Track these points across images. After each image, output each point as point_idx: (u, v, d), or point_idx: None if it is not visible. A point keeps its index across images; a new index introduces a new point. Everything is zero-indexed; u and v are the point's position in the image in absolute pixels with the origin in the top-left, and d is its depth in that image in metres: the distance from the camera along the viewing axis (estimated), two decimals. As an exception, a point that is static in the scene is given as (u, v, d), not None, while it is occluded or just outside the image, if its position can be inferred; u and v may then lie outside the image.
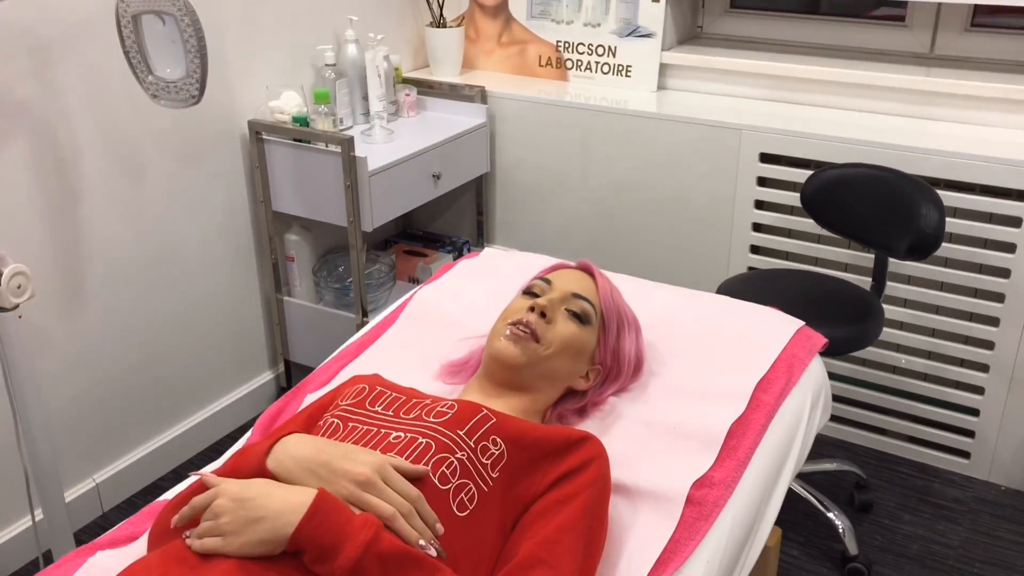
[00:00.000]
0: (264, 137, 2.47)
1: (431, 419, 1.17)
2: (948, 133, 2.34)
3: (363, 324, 2.51)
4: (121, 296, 2.28)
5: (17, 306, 1.69)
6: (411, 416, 1.18)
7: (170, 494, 1.33)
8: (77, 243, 2.15)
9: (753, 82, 2.64)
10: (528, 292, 1.39)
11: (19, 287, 1.68)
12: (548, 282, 1.39)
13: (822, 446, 2.59)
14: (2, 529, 2.14)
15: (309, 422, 1.27)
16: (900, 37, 2.61)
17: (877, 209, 2.12)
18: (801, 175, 2.40)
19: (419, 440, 1.12)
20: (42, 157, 2.03)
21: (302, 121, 2.43)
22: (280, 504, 0.97)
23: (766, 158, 2.45)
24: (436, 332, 1.64)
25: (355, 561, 0.94)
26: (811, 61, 2.57)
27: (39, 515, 2.03)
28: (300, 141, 2.42)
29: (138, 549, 1.20)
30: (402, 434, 1.13)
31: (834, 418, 2.62)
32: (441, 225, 3.13)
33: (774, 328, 1.58)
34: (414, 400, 1.22)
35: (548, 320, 1.32)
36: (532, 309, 1.32)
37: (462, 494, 1.08)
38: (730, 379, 1.45)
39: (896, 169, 2.14)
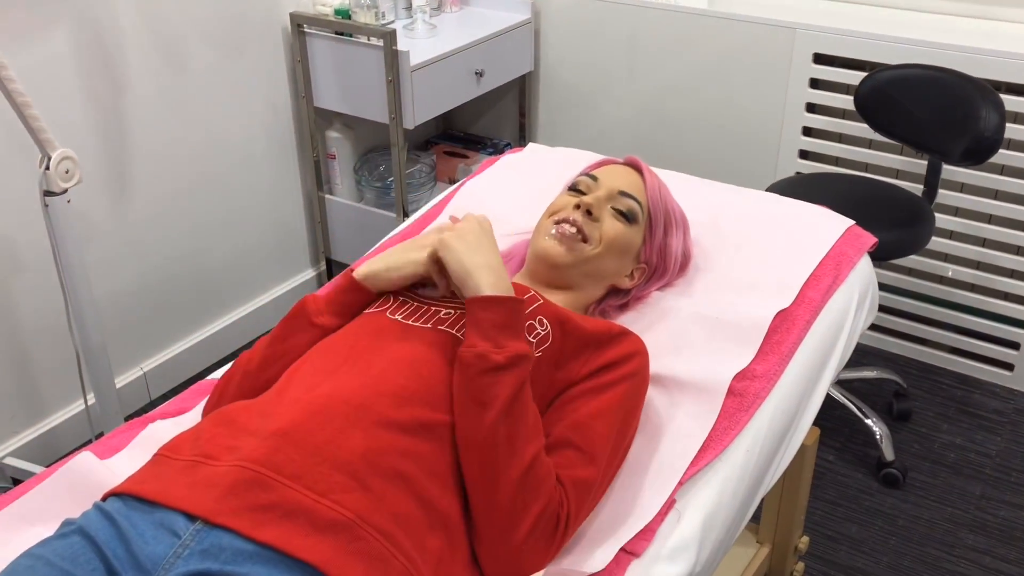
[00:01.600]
0: (306, 30, 2.44)
1: None
2: (1011, 34, 2.24)
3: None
4: (165, 188, 2.30)
5: (66, 191, 1.71)
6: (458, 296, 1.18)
7: (218, 374, 1.36)
8: (121, 133, 2.16)
9: (809, -21, 2.54)
10: (574, 188, 1.36)
11: (67, 172, 1.70)
12: (594, 179, 1.36)
13: (863, 355, 2.57)
14: (58, 411, 2.22)
15: None
16: (968, -68, 2.48)
17: (933, 112, 2.06)
18: (855, 77, 2.32)
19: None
20: (84, 44, 2.03)
21: (344, 14, 2.39)
22: (498, 265, 1.11)
23: (820, 59, 2.38)
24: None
25: (525, 352, 1.04)
26: (872, -43, 2.46)
27: (91, 399, 2.09)
28: (342, 35, 2.39)
29: (192, 419, 1.24)
30: (452, 311, 1.14)
31: (876, 327, 2.59)
32: (482, 126, 3.09)
33: (823, 225, 1.55)
34: None
35: (594, 218, 1.30)
36: (578, 207, 1.30)
37: None
38: (776, 274, 1.43)
39: (955, 70, 2.06)
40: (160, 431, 1.20)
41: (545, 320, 1.15)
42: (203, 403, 1.25)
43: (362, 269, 1.21)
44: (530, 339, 1.13)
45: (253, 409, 1.01)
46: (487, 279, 1.07)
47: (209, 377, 1.38)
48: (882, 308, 2.56)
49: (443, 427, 1.02)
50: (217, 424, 1.00)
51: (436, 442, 1.01)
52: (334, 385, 1.02)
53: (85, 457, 1.12)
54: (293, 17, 2.43)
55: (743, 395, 1.26)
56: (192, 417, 1.25)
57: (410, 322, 1.13)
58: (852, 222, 1.58)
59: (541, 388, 1.11)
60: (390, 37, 2.28)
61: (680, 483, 1.15)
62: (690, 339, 1.33)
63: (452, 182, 2.93)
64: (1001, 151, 2.24)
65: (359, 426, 0.97)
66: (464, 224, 1.14)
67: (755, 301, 1.38)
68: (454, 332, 1.11)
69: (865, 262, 1.54)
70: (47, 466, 2.14)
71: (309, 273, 2.79)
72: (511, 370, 1.02)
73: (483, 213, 1.65)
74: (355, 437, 0.96)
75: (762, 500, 1.36)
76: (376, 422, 0.98)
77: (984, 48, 2.15)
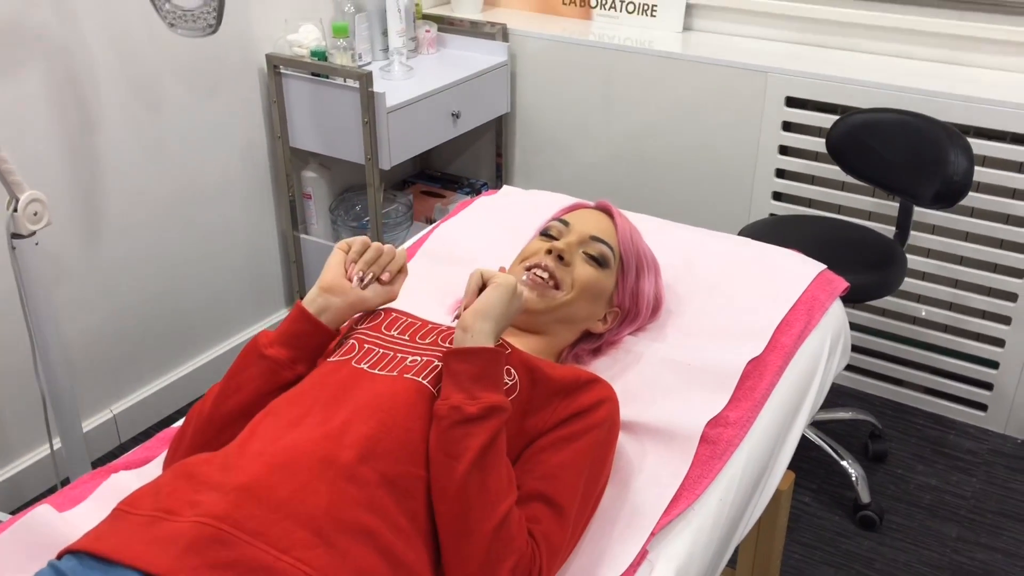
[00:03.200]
0: (282, 71, 2.44)
1: (447, 344, 1.16)
2: (979, 79, 2.28)
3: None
4: (139, 228, 2.28)
5: (34, 233, 1.69)
6: (427, 341, 1.17)
7: (181, 422, 1.33)
8: (94, 173, 2.14)
9: (781, 24, 2.57)
10: (545, 234, 1.36)
11: (35, 214, 1.68)
12: (566, 223, 1.36)
13: (838, 396, 2.58)
14: (22, 456, 2.17)
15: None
16: (935, -21, 2.53)
17: (904, 155, 2.08)
18: (827, 120, 2.35)
19: (435, 363, 1.12)
20: (58, 85, 2.02)
21: (320, 55, 2.40)
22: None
23: (792, 102, 2.40)
24: (453, 269, 1.62)
25: (500, 403, 1.03)
26: (841, 3, 2.50)
27: (57, 443, 2.05)
28: (318, 76, 2.39)
29: (153, 470, 1.22)
30: (418, 358, 1.13)
31: (851, 368, 2.60)
32: (460, 166, 3.10)
33: (795, 270, 1.56)
34: (430, 326, 1.21)
35: (566, 263, 1.30)
36: (549, 252, 1.30)
37: None
38: (749, 319, 1.43)
39: (925, 115, 2.09)
40: (122, 482, 1.17)
41: (513, 370, 1.14)
42: (165, 454, 1.23)
43: (311, 299, 1.21)
44: None
45: (215, 462, 0.99)
46: (487, 336, 1.09)
47: (175, 424, 1.35)
48: (857, 348, 2.56)
49: (410, 479, 1.00)
50: (178, 477, 0.98)
51: (402, 495, 0.99)
52: (297, 437, 1.00)
53: (43, 510, 1.09)
54: (269, 58, 2.43)
55: (716, 442, 1.25)
56: (156, 465, 1.22)
57: (376, 371, 1.11)
58: (824, 267, 1.59)
59: (510, 438, 1.10)
60: (366, 79, 2.29)
61: (652, 534, 1.13)
62: (662, 385, 1.32)
63: (429, 221, 2.93)
64: (971, 194, 2.26)
65: (323, 480, 0.95)
66: (518, 287, 1.16)
67: (727, 347, 1.37)
68: (420, 380, 1.09)
69: (837, 307, 1.55)
70: (11, 512, 2.10)
71: (283, 313, 2.77)
72: (484, 422, 1.01)
73: (456, 255, 1.66)
74: (319, 491, 0.94)
75: (738, 545, 1.35)
76: (340, 476, 0.96)
77: (953, 93, 2.19)
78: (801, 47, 2.54)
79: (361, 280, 1.21)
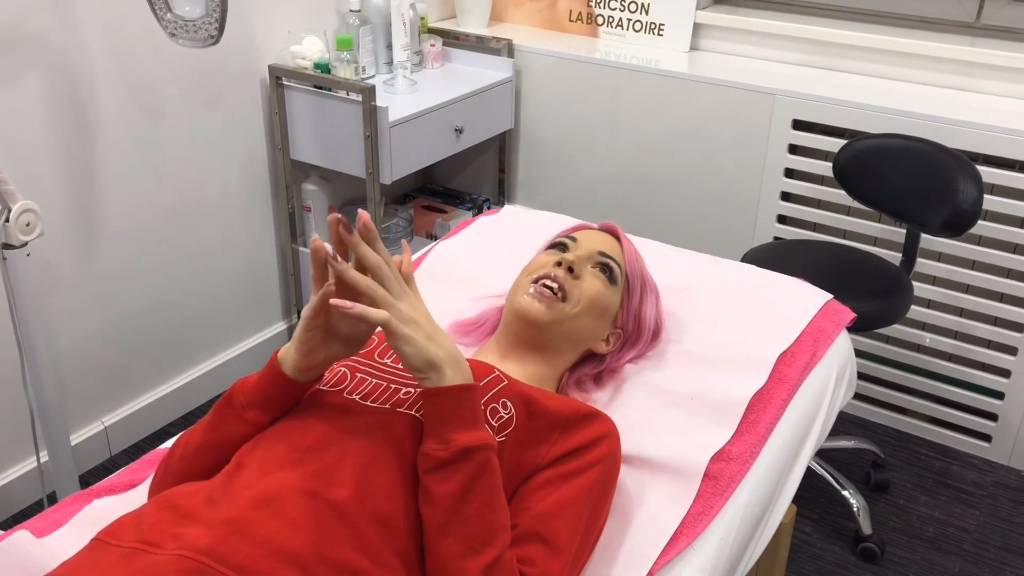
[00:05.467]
0: (284, 83, 2.41)
1: None
2: (990, 106, 2.25)
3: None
4: (136, 238, 2.25)
5: (26, 244, 1.66)
6: None
7: (170, 443, 1.30)
8: (92, 183, 2.11)
9: (789, 46, 2.55)
10: (554, 247, 1.34)
11: (28, 224, 1.65)
12: (573, 239, 1.34)
13: (840, 423, 2.54)
14: (9, 468, 2.14)
15: None
16: (945, 4, 2.51)
17: (912, 182, 2.05)
18: (834, 144, 2.32)
19: None
20: (57, 93, 1.99)
21: (323, 68, 2.37)
22: (456, 352, 1.00)
23: (799, 125, 2.38)
24: (452, 289, 1.59)
25: (477, 443, 0.96)
26: (850, 26, 2.48)
27: (44, 457, 2.02)
28: (321, 88, 2.36)
29: (137, 497, 1.18)
30: (412, 389, 1.09)
31: (855, 395, 2.57)
32: (462, 181, 3.07)
33: (801, 300, 1.53)
34: None
35: (575, 276, 1.27)
36: (559, 264, 1.27)
37: None
38: (752, 350, 1.40)
39: (934, 141, 2.06)
40: (104, 508, 1.14)
41: (509, 403, 1.10)
42: (151, 478, 1.19)
43: (290, 364, 1.06)
44: (492, 423, 1.08)
45: (200, 494, 0.96)
46: (450, 373, 0.98)
47: (164, 445, 1.32)
48: (860, 375, 2.53)
49: (398, 517, 0.97)
50: (161, 508, 0.94)
51: (393, 534, 0.95)
52: (286, 473, 0.96)
53: (21, 536, 1.05)
54: (272, 69, 2.41)
55: (718, 478, 1.22)
56: (140, 492, 1.19)
57: (368, 403, 1.07)
58: (830, 296, 1.55)
59: (506, 473, 1.06)
60: (369, 92, 2.26)
61: (650, 573, 1.10)
62: (664, 418, 1.29)
63: (430, 236, 2.90)
64: (980, 222, 2.23)
65: (311, 517, 0.92)
66: (408, 307, 0.99)
67: (731, 378, 1.34)
68: (413, 413, 1.06)
69: (843, 338, 1.52)
70: (-4, 526, 2.06)
71: (280, 326, 2.74)
72: (458, 465, 0.96)
73: (456, 276, 1.63)
74: (306, 529, 0.91)
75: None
76: (329, 513, 0.92)
77: (963, 119, 2.16)
78: (809, 70, 2.52)
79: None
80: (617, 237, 1.39)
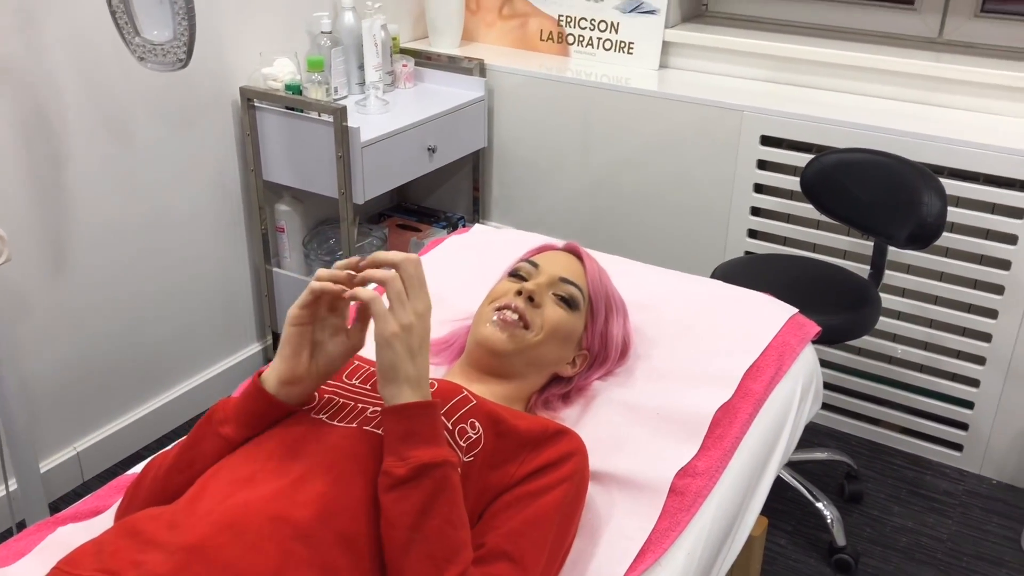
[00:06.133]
0: (256, 104, 2.42)
1: None
2: (953, 120, 2.29)
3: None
4: (107, 262, 2.24)
5: (-7, 270, 1.65)
6: None
7: (139, 467, 1.29)
8: (62, 207, 2.11)
9: (757, 63, 2.58)
10: (514, 275, 1.34)
11: (-5, 250, 1.64)
12: (535, 265, 1.34)
13: (813, 434, 2.56)
14: (-21, 495, 2.12)
15: None
16: (908, 21, 2.55)
17: (878, 196, 2.08)
18: (802, 159, 2.35)
19: None
20: (25, 117, 1.99)
21: (295, 89, 2.38)
22: (424, 375, 1.02)
23: (767, 141, 2.41)
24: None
25: (436, 459, 0.96)
26: (816, 43, 2.52)
27: (14, 485, 2.00)
28: (292, 109, 2.37)
29: (102, 524, 1.17)
30: (379, 409, 1.10)
31: (827, 407, 2.59)
32: (436, 200, 3.08)
33: (766, 314, 1.54)
34: None
35: (536, 304, 1.28)
36: (519, 293, 1.28)
37: None
38: (718, 365, 1.41)
39: (899, 155, 2.09)
40: (68, 537, 1.13)
41: (477, 423, 1.11)
42: (118, 504, 1.19)
43: (272, 382, 1.09)
44: (460, 443, 1.08)
45: (162, 519, 0.96)
46: (406, 395, 1.00)
47: (131, 471, 1.31)
48: (833, 387, 2.55)
49: (363, 537, 0.97)
50: (122, 536, 0.94)
51: (358, 555, 0.96)
52: (249, 495, 0.96)
53: (-18, 566, 1.05)
54: (243, 91, 2.41)
55: (684, 493, 1.23)
56: (105, 518, 1.18)
57: (334, 422, 1.08)
58: (795, 310, 1.57)
59: (475, 493, 1.07)
60: (340, 113, 2.27)
61: (617, 590, 1.10)
62: (631, 434, 1.30)
63: (404, 255, 2.90)
64: (945, 234, 2.27)
65: (273, 540, 0.92)
66: (416, 322, 1.01)
67: (697, 393, 1.35)
68: (379, 432, 1.06)
69: (809, 352, 1.53)
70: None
71: (255, 347, 2.73)
72: (416, 483, 0.96)
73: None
74: (268, 552, 0.91)
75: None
76: (292, 535, 0.93)
77: (928, 134, 2.19)
78: (776, 86, 2.55)
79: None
80: (580, 258, 1.39)
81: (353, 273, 1.04)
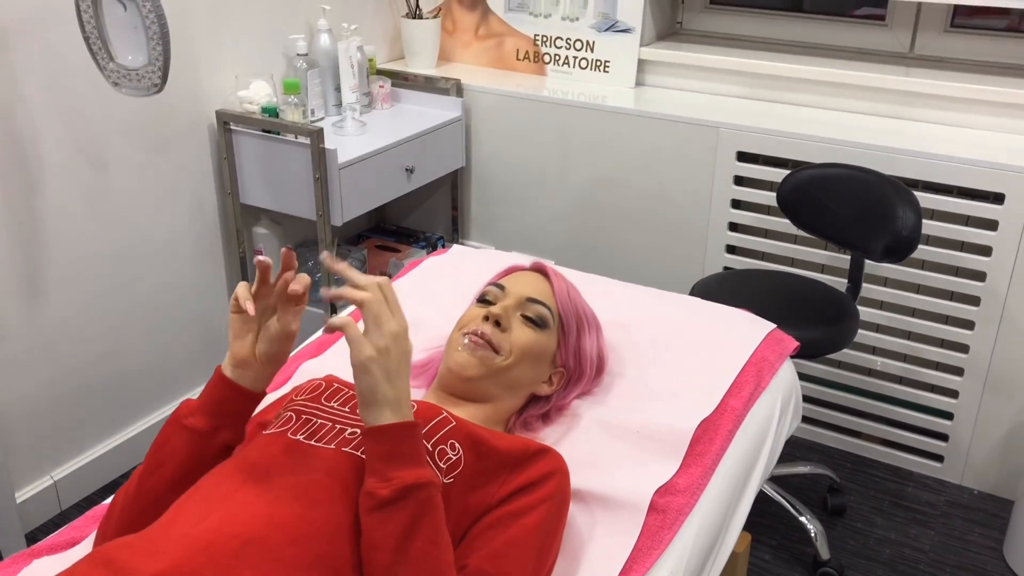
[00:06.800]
0: (232, 127, 2.41)
1: None
2: (926, 134, 2.31)
3: (332, 320, 2.46)
4: (83, 289, 2.22)
5: (-34, 299, 1.63)
6: None
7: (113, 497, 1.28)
8: (36, 234, 2.09)
9: (732, 80, 2.61)
10: (482, 300, 1.34)
11: (-32, 279, 1.62)
12: (501, 288, 1.34)
13: (796, 448, 2.56)
14: (-45, 527, 2.08)
15: (264, 419, 1.23)
16: (880, 36, 2.58)
17: (854, 210, 2.10)
18: (778, 174, 2.37)
19: None
20: (-1, 145, 1.97)
21: (271, 112, 2.38)
22: (405, 396, 1.00)
23: (743, 157, 2.42)
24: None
25: (419, 480, 0.95)
26: (790, 59, 2.54)
27: (-8, 513, 1.97)
28: (269, 132, 2.37)
29: (78, 554, 1.16)
30: (358, 431, 1.09)
31: (808, 420, 2.59)
32: (416, 220, 3.08)
33: (744, 331, 1.55)
34: None
35: (503, 328, 1.28)
36: (487, 319, 1.28)
37: None
38: (698, 382, 1.42)
39: (873, 170, 2.11)
40: (44, 568, 1.11)
41: (457, 444, 1.10)
42: (95, 534, 1.17)
43: (228, 365, 1.14)
44: (440, 464, 1.08)
45: (136, 546, 0.94)
46: (387, 417, 0.99)
47: (107, 500, 1.30)
48: (814, 400, 2.56)
49: (341, 558, 0.96)
50: (95, 565, 0.93)
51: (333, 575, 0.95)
52: (224, 517, 0.95)
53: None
54: (220, 115, 2.41)
55: (665, 511, 1.22)
56: (82, 549, 1.17)
57: (312, 442, 1.07)
58: (773, 326, 1.58)
59: (456, 515, 1.06)
60: (317, 135, 2.27)
61: (599, 611, 1.10)
62: (611, 452, 1.30)
63: (384, 276, 2.89)
64: (921, 247, 2.29)
65: (249, 563, 0.91)
66: (393, 344, 1.00)
67: (676, 411, 1.35)
68: (358, 454, 1.06)
69: (787, 367, 1.54)
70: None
71: (235, 371, 2.71)
72: (400, 504, 0.96)
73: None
74: (244, 575, 0.90)
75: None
76: (267, 558, 0.92)
77: (902, 148, 2.22)
78: (751, 102, 2.57)
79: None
80: (547, 276, 1.39)
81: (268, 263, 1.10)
